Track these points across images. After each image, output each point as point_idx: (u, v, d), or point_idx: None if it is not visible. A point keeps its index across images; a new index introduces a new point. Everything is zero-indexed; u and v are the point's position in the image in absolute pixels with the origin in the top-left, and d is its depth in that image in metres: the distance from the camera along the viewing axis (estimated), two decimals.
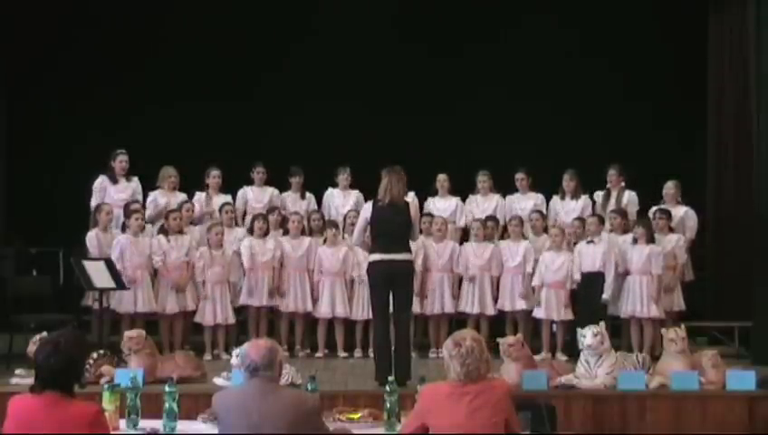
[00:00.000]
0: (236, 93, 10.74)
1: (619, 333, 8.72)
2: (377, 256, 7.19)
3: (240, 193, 9.54)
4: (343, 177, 9.56)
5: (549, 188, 9.53)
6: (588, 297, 8.60)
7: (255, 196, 9.54)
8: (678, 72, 10.59)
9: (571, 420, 6.51)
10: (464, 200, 9.56)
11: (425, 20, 10.92)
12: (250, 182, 9.58)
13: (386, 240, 7.17)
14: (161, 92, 10.52)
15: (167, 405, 4.88)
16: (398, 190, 7.21)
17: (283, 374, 4.58)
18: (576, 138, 10.31)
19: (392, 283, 7.16)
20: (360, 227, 7.50)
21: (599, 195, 9.39)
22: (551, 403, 5.71)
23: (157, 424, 4.92)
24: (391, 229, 7.17)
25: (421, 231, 8.35)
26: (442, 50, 10.91)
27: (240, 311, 8.96)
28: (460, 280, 8.99)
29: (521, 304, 8.88)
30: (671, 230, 8.92)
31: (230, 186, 9.53)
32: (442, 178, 9.55)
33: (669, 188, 9.17)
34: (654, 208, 9.09)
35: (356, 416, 5.25)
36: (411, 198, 8.66)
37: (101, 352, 7.11)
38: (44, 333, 6.05)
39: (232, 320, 8.80)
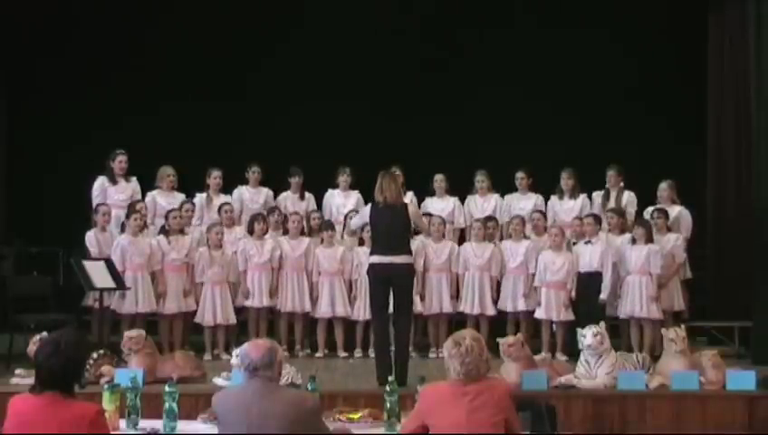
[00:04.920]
0: (236, 93, 10.74)
1: (619, 333, 8.72)
2: (376, 259, 7.19)
3: (235, 193, 9.52)
4: (343, 177, 9.56)
5: (548, 187, 9.53)
6: (585, 297, 8.60)
7: (251, 196, 9.53)
8: (678, 71, 10.58)
9: (571, 420, 6.51)
10: (462, 201, 9.57)
11: (425, 19, 10.92)
12: (245, 182, 9.57)
13: (385, 242, 7.18)
14: (161, 92, 10.52)
15: (167, 405, 4.88)
16: (392, 192, 7.20)
17: (283, 374, 4.59)
18: (576, 138, 10.31)
19: (391, 284, 7.16)
20: (357, 222, 7.58)
21: (598, 195, 9.39)
22: (551, 403, 5.70)
23: (157, 424, 4.92)
24: (390, 231, 7.17)
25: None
26: (442, 50, 10.92)
27: (240, 311, 8.96)
28: (458, 280, 9.00)
29: (522, 305, 8.88)
30: (669, 230, 8.93)
31: (230, 186, 9.53)
32: (439, 179, 9.55)
33: (663, 189, 9.16)
34: (652, 208, 9.09)
35: (356, 416, 5.25)
36: (410, 197, 8.69)
37: (101, 352, 7.11)
38: (44, 334, 6.05)
39: (232, 320, 8.81)
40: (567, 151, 9.94)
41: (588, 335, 6.94)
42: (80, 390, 3.87)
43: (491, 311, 8.90)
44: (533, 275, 8.85)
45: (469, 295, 8.90)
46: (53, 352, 3.78)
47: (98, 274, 7.92)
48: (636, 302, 8.54)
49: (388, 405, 4.97)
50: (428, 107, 10.75)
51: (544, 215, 9.28)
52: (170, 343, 8.56)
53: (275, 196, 9.60)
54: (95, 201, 9.08)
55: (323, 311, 8.84)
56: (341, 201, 9.54)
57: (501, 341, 7.20)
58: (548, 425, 5.34)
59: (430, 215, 9.08)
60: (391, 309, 7.23)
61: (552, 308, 8.70)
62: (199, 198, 9.36)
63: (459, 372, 4.13)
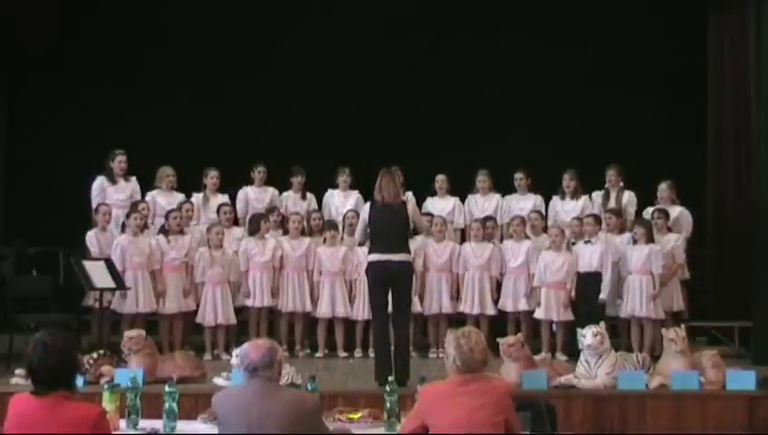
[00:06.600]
0: (236, 93, 10.74)
1: (619, 333, 8.72)
2: (375, 257, 7.19)
3: (240, 194, 9.53)
4: (343, 177, 9.56)
5: (549, 188, 9.53)
6: (585, 297, 8.60)
7: (256, 196, 9.54)
8: (678, 71, 10.58)
9: (571, 420, 6.51)
10: (463, 200, 9.57)
11: (424, 19, 10.91)
12: (249, 182, 9.57)
13: (383, 241, 7.18)
14: (160, 92, 10.53)
15: (167, 405, 4.88)
16: (390, 191, 7.20)
17: (283, 374, 4.58)
18: (576, 138, 10.31)
19: (390, 283, 7.16)
20: (360, 228, 7.55)
21: (598, 195, 9.39)
22: (551, 403, 5.70)
23: (157, 424, 4.92)
24: (388, 230, 7.17)
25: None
26: (442, 50, 10.92)
27: (240, 311, 8.96)
28: (458, 281, 9.00)
29: (524, 304, 8.87)
30: (669, 230, 8.93)
31: (230, 186, 9.53)
32: (441, 179, 9.55)
33: (663, 190, 9.16)
34: (652, 209, 9.10)
35: (356, 416, 5.25)
36: (408, 197, 8.70)
37: (101, 352, 7.11)
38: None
39: (232, 320, 8.81)
40: (567, 151, 9.95)
41: (588, 335, 6.95)
42: (83, 385, 3.86)
43: (491, 311, 8.90)
44: (534, 275, 8.85)
45: (469, 295, 8.90)
46: (45, 351, 3.76)
47: (98, 274, 7.92)
48: (636, 301, 8.54)
49: (388, 405, 4.97)
50: (428, 107, 10.75)
51: (542, 215, 9.28)
52: (170, 343, 8.56)
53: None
54: (95, 201, 9.09)
55: (324, 311, 8.84)
56: (341, 201, 9.54)
57: (501, 341, 7.20)
58: (548, 425, 5.34)
59: (431, 215, 9.09)
60: (390, 308, 7.24)
61: (551, 308, 8.69)
62: (196, 197, 9.35)
63: (458, 361, 4.12)
